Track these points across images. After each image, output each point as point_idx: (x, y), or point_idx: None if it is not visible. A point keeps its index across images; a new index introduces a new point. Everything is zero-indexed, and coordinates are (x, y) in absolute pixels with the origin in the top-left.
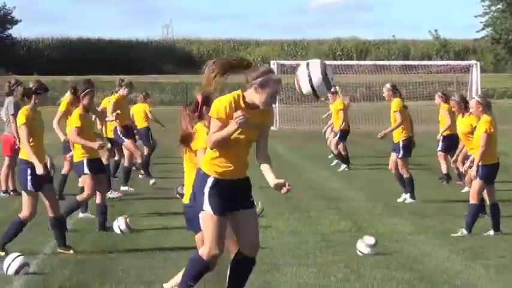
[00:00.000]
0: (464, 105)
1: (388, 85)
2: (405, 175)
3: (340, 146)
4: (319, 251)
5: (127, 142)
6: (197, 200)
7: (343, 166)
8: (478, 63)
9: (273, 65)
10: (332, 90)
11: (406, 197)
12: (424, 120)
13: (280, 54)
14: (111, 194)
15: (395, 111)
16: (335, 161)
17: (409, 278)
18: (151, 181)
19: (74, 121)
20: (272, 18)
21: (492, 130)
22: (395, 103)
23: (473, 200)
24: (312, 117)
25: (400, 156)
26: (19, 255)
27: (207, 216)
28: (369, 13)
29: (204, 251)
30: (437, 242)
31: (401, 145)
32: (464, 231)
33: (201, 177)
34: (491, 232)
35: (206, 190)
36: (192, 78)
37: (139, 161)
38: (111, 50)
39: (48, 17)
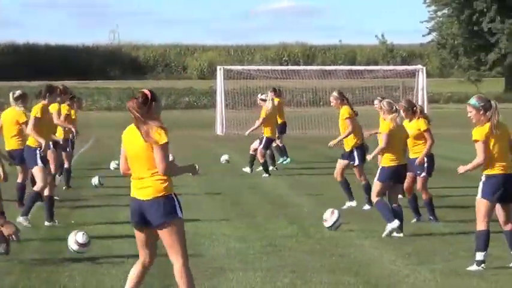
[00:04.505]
0: (411, 110)
1: (335, 93)
2: (363, 181)
3: (260, 153)
4: (266, 255)
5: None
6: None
7: (246, 168)
8: (424, 68)
9: (220, 70)
10: (262, 97)
11: (351, 204)
12: (371, 126)
13: (227, 59)
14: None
15: (346, 119)
16: (259, 168)
17: (355, 282)
18: None
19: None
20: (220, 23)
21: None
22: (345, 110)
23: (374, 198)
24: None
25: (356, 164)
26: None
27: None
28: (316, 18)
29: None
30: (384, 246)
31: (355, 153)
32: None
33: None
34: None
35: None
36: (139, 84)
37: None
38: (58, 55)
39: None
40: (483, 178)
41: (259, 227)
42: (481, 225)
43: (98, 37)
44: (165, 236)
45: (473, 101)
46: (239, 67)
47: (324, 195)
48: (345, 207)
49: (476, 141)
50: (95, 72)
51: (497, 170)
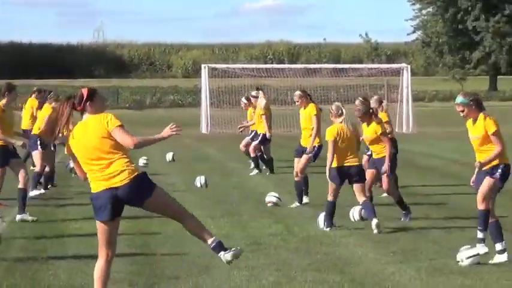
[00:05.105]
0: (368, 113)
1: (298, 92)
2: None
3: (252, 148)
4: (251, 254)
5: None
6: None
7: (255, 171)
8: (409, 66)
9: (204, 68)
10: (253, 93)
11: (297, 205)
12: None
13: (211, 58)
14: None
15: (314, 115)
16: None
17: (340, 281)
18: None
19: None
20: (204, 21)
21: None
22: (313, 107)
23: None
24: (243, 120)
25: (314, 160)
26: None
27: None
28: (300, 16)
29: None
30: (369, 244)
31: (316, 151)
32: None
33: None
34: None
35: None
36: (123, 82)
37: (36, 169)
38: (43, 54)
39: None
40: (502, 166)
41: (244, 225)
42: (488, 205)
43: (82, 36)
44: (159, 204)
45: (460, 99)
46: (224, 65)
47: (309, 194)
48: (293, 205)
49: (495, 132)
50: (79, 71)
51: (508, 159)
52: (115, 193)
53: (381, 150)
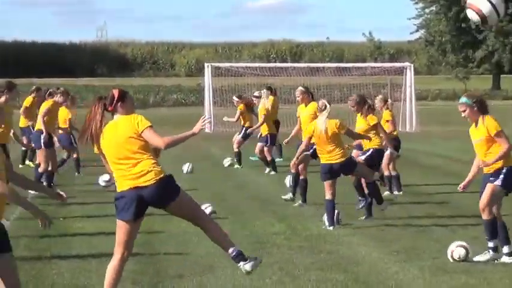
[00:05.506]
0: (362, 104)
1: (302, 88)
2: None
3: (266, 150)
4: (254, 253)
5: (44, 149)
6: None
7: (268, 169)
8: (412, 65)
9: (207, 67)
10: (256, 94)
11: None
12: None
13: (214, 56)
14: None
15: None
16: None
17: (343, 279)
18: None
19: None
20: (207, 20)
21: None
22: (314, 106)
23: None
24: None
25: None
26: None
27: None
28: (303, 15)
29: None
30: (372, 243)
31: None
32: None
33: None
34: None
35: None
36: (126, 81)
37: (40, 170)
38: (45, 53)
39: None
40: (505, 170)
41: (247, 224)
42: (490, 214)
43: (85, 34)
44: (183, 208)
45: (464, 99)
46: (227, 64)
47: (310, 192)
48: (296, 204)
49: (499, 132)
50: (82, 70)
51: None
52: (141, 193)
53: (368, 143)
